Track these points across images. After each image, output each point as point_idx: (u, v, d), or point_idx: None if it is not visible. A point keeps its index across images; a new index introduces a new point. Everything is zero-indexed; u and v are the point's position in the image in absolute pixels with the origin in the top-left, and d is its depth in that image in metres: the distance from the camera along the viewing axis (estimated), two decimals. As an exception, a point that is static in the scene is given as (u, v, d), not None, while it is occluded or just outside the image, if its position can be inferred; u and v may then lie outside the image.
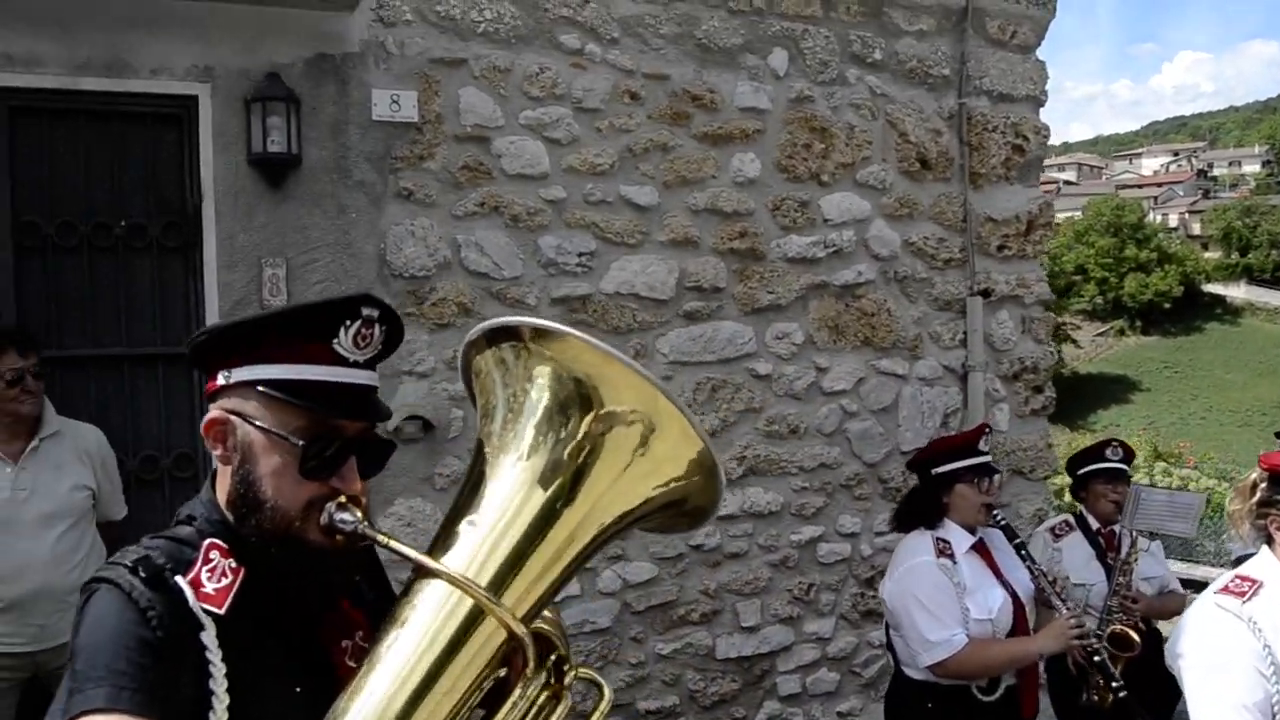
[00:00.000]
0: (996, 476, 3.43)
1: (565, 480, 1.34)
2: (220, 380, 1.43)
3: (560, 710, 1.38)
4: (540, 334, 1.38)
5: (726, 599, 4.80)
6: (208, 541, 1.40)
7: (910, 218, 5.16)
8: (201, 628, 1.32)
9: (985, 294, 5.29)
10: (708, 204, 4.72)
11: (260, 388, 1.40)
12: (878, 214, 5.08)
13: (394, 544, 1.34)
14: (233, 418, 1.42)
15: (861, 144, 5.01)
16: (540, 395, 1.38)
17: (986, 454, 3.37)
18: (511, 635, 1.27)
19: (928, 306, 5.22)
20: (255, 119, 3.95)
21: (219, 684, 1.30)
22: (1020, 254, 5.44)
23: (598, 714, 1.42)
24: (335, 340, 1.40)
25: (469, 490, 1.38)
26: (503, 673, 1.34)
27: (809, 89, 4.89)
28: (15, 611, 3.38)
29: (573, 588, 4.51)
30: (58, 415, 3.58)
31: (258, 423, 1.40)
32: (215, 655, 1.31)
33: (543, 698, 1.37)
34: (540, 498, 1.34)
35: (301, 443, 1.38)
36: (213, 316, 3.98)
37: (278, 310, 1.45)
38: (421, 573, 1.31)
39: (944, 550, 3.17)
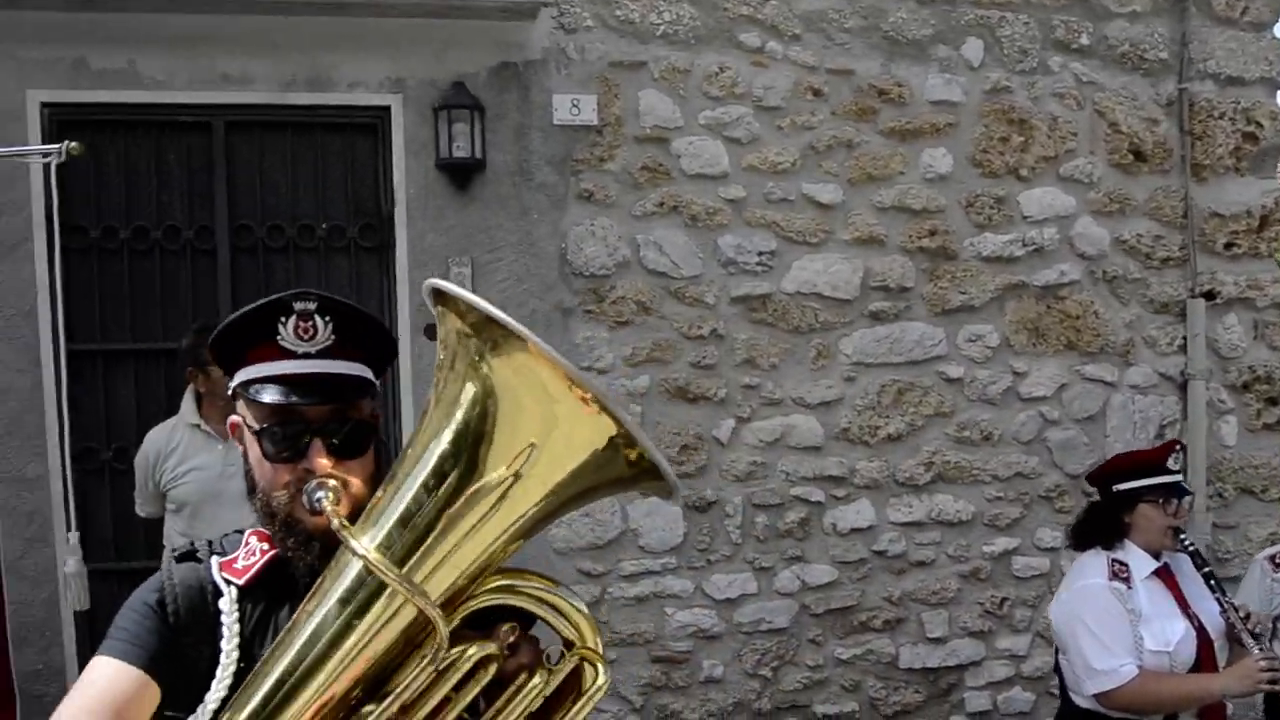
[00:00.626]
0: (1186, 499, 3.13)
1: (476, 457, 1.30)
2: (230, 390, 1.57)
3: (531, 688, 1.38)
4: (445, 299, 1.36)
5: (911, 607, 4.63)
6: (250, 530, 1.57)
7: (1121, 214, 4.81)
8: (220, 595, 1.50)
9: (1209, 296, 4.86)
10: (895, 201, 4.57)
11: (238, 389, 1.53)
12: (1084, 210, 4.76)
13: (335, 521, 1.33)
14: (240, 419, 1.55)
15: (1065, 135, 4.72)
16: (457, 366, 1.35)
17: (1176, 473, 3.07)
18: (421, 611, 1.26)
19: (1141, 309, 4.85)
20: (443, 126, 4.15)
21: (229, 641, 1.47)
22: (1252, 252, 4.96)
23: (584, 697, 1.41)
24: (279, 337, 1.49)
25: (401, 461, 1.37)
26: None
27: (1006, 79, 4.64)
28: (221, 580, 3.69)
29: (749, 585, 4.49)
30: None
31: (246, 420, 1.54)
32: (229, 618, 1.48)
33: (526, 678, 1.37)
34: (452, 474, 1.30)
35: (258, 429, 1.49)
36: (403, 314, 4.22)
37: (224, 321, 1.54)
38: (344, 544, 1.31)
39: (1119, 573, 2.91)
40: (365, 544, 1.27)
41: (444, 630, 1.27)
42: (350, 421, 1.52)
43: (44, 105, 3.99)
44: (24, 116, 3.99)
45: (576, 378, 1.26)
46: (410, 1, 4.03)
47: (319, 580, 1.36)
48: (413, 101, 4.20)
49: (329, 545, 1.41)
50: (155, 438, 3.75)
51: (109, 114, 4.06)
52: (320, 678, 1.31)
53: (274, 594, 1.51)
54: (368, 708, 1.33)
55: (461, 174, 4.22)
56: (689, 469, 4.45)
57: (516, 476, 1.30)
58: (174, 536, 3.75)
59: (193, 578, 1.52)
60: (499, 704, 1.38)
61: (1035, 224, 4.69)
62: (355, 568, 1.32)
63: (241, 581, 1.50)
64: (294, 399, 1.48)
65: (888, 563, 4.60)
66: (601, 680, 1.41)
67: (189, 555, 1.57)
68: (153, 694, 1.45)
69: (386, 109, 4.19)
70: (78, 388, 4.10)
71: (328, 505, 1.38)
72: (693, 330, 4.44)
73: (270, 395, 1.47)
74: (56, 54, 3.98)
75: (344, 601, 1.31)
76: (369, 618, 1.29)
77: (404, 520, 1.31)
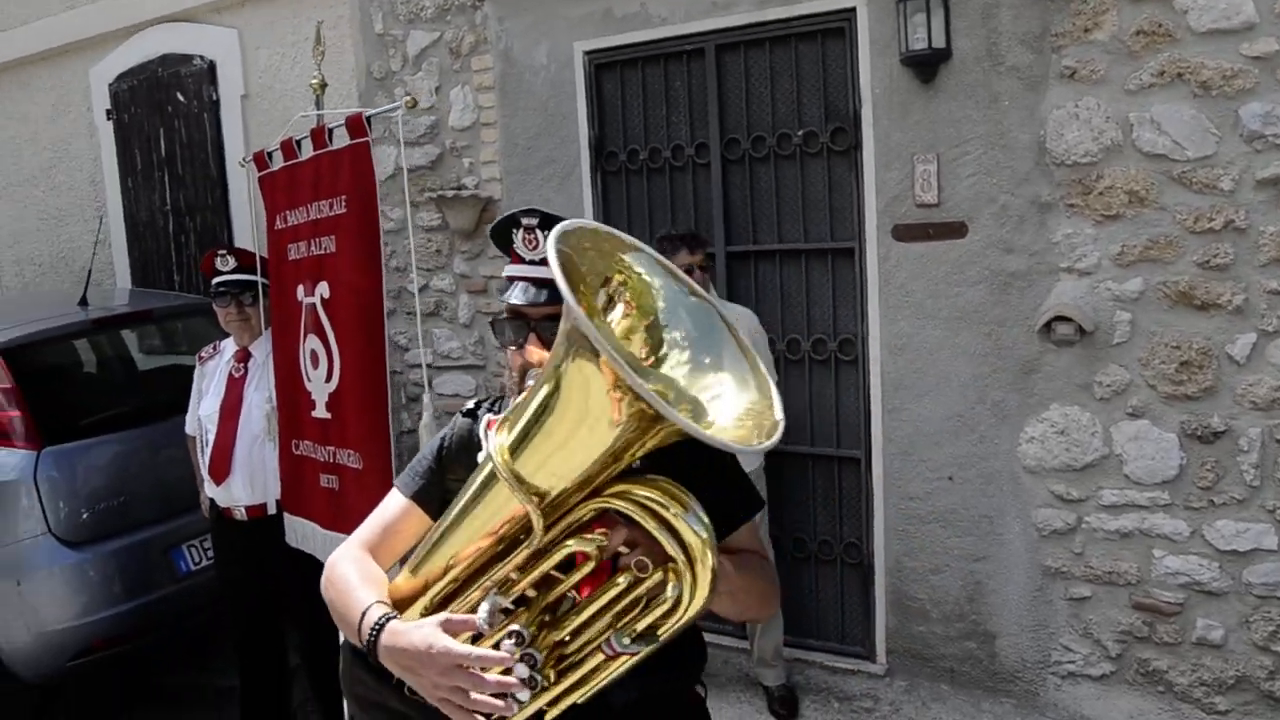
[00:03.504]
0: None
1: (578, 389, 1.49)
2: None
3: (617, 581, 1.56)
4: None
5: None
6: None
7: None
8: (480, 446, 1.84)
9: None
10: None
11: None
12: None
13: (484, 422, 1.76)
14: None
15: None
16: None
17: None
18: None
19: None
20: (906, 19, 4.00)
21: None
22: None
23: (679, 611, 1.53)
24: (514, 245, 1.86)
25: (541, 373, 1.62)
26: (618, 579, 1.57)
27: None
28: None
29: (1266, 539, 3.62)
30: (719, 299, 4.22)
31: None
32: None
33: (615, 577, 1.57)
34: (553, 396, 1.51)
35: (495, 320, 1.87)
36: (870, 214, 4.20)
37: (497, 223, 1.93)
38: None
39: None
40: (497, 441, 1.57)
41: (538, 522, 1.52)
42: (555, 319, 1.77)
43: (585, 53, 4.79)
44: (572, 64, 4.84)
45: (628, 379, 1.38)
46: (872, -105, 3.97)
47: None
48: (877, -2, 4.13)
49: None
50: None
51: (630, 53, 4.70)
52: (455, 540, 1.68)
53: None
54: (496, 566, 1.63)
55: (926, 66, 4.03)
56: (1190, 390, 3.72)
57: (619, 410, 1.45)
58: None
59: (466, 428, 1.94)
60: (592, 594, 1.59)
61: None
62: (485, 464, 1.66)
63: None
64: (518, 301, 1.81)
65: None
66: (690, 609, 1.52)
67: (471, 413, 1.96)
68: (418, 516, 1.87)
69: (852, 10, 4.17)
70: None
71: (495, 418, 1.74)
72: (1201, 223, 3.67)
73: (507, 296, 1.84)
74: (590, 8, 4.73)
75: (480, 486, 1.65)
76: (490, 501, 1.62)
77: (528, 425, 1.54)
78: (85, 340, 5.11)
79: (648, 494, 1.52)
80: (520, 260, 1.85)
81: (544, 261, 1.71)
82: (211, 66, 5.97)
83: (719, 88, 4.53)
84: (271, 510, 4.00)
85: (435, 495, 1.86)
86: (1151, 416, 3.81)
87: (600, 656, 1.57)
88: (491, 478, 1.60)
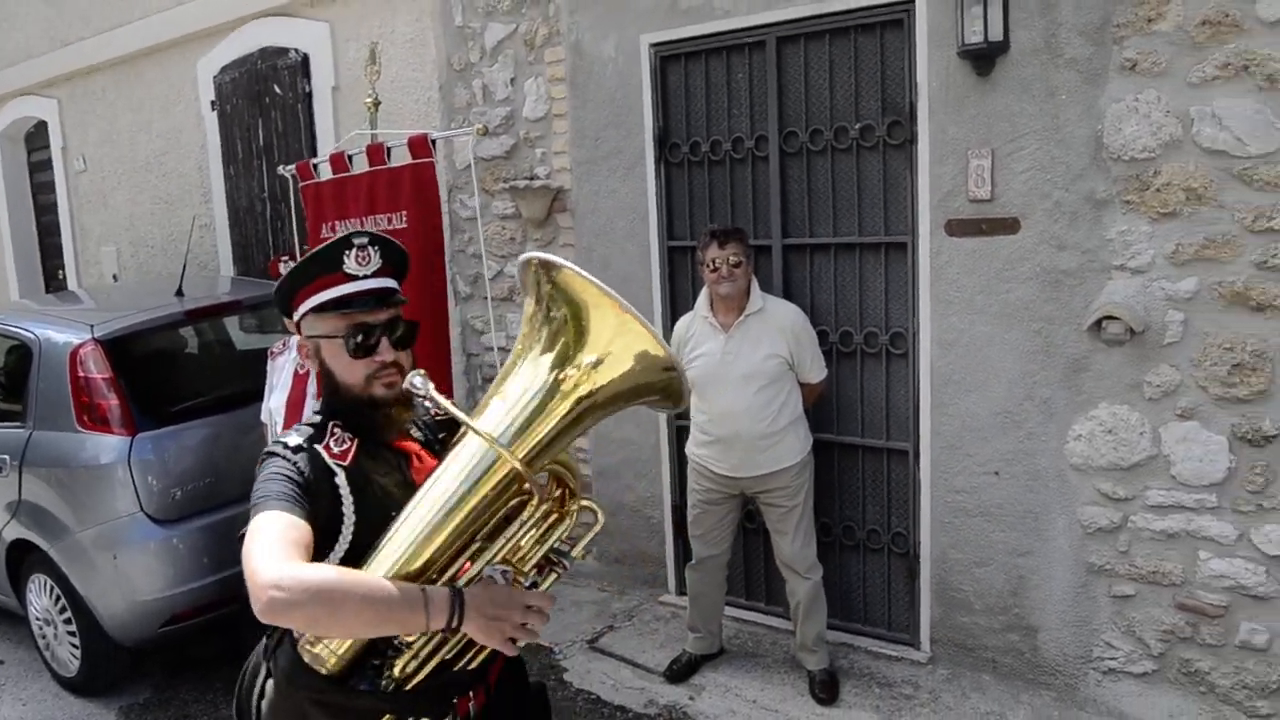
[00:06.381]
0: None
1: (563, 370, 1.86)
2: (295, 319, 2.10)
3: (563, 527, 1.96)
4: (549, 265, 1.87)
5: None
6: (330, 422, 2.05)
7: None
8: (334, 474, 1.98)
9: None
10: None
11: (313, 312, 2.04)
12: None
13: (443, 402, 1.85)
14: (308, 339, 2.07)
15: None
16: (552, 309, 1.88)
17: None
18: (517, 473, 1.83)
19: None
20: (964, 11, 3.98)
21: (348, 508, 1.96)
22: None
23: (591, 534, 1.99)
24: (344, 266, 2.02)
25: (504, 375, 1.92)
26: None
27: None
28: (721, 445, 4.24)
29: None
30: (763, 295, 4.27)
31: (320, 334, 2.04)
32: (345, 491, 1.97)
33: (551, 518, 1.96)
34: (548, 380, 1.86)
35: (341, 336, 2.02)
36: (924, 209, 4.21)
37: (299, 263, 2.08)
38: (464, 429, 1.87)
39: None
40: (484, 426, 1.83)
41: (536, 489, 1.89)
42: (403, 322, 2.05)
43: (651, 45, 4.88)
44: (639, 56, 4.94)
45: (635, 315, 1.81)
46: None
47: (443, 463, 1.90)
48: (936, -10, 4.11)
49: (399, 409, 2.05)
50: (680, 324, 4.43)
51: (694, 45, 4.77)
52: (454, 525, 1.85)
53: (366, 469, 2.01)
54: (476, 545, 1.89)
55: (983, 59, 4.01)
56: (1242, 392, 3.65)
57: (577, 384, 1.85)
58: (693, 409, 4.38)
59: (317, 460, 1.97)
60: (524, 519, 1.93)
61: None
62: (470, 446, 1.86)
63: (346, 463, 1.99)
64: (363, 309, 2.00)
65: None
66: (601, 519, 2.01)
67: (300, 449, 1.98)
68: (310, 535, 1.87)
69: (912, 1, 4.17)
70: (675, 276, 5.02)
71: (435, 395, 1.86)
72: (1260, 222, 3.58)
73: (353, 307, 2.00)
74: (656, 0, 4.82)
75: (460, 471, 1.85)
76: (482, 483, 1.84)
77: (508, 410, 1.85)
78: (181, 330, 5.43)
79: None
80: (352, 278, 2.01)
81: (376, 273, 2.03)
82: (305, 59, 6.27)
83: (779, 80, 4.57)
84: (331, 498, 4.22)
85: (315, 521, 1.91)
86: (1201, 418, 3.75)
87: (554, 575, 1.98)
88: (481, 475, 1.83)
